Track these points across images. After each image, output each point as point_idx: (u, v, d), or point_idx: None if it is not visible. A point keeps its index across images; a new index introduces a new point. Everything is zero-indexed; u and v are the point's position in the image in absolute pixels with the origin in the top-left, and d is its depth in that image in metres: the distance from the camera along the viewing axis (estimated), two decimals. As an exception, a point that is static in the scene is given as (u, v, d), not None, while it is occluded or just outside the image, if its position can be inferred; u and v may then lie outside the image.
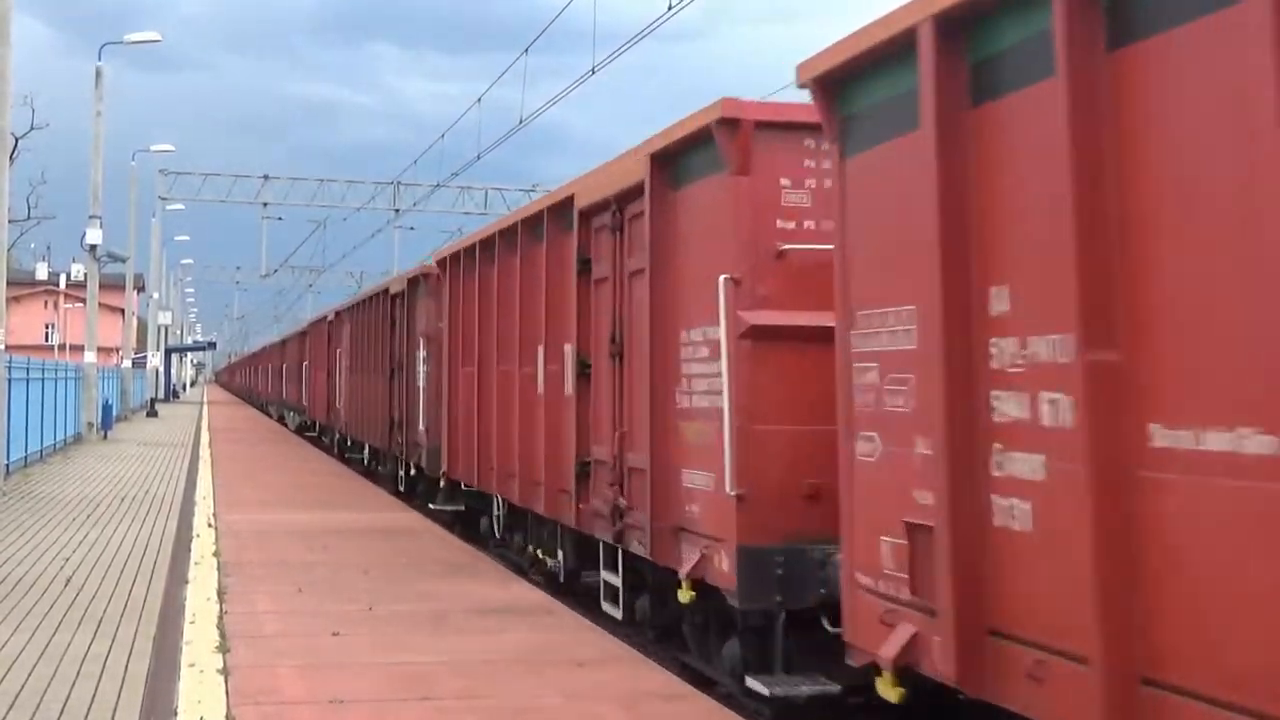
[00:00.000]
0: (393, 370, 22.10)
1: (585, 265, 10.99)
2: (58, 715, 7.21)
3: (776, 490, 7.76)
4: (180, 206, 58.59)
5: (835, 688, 7.54)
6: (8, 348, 20.31)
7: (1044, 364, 5.09)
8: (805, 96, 7.02)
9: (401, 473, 21.43)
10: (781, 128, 8.08)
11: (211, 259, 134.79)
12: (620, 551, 10.04)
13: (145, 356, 64.52)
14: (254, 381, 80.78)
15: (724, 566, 8.00)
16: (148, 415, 53.39)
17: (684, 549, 8.67)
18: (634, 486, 9.62)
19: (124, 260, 49.72)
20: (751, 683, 7.86)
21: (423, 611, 10.59)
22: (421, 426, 19.10)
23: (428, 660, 8.77)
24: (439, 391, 17.66)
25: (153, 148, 54.06)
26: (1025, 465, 5.20)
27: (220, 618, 10.06)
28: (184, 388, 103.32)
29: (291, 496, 20.65)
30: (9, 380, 20.89)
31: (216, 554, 13.53)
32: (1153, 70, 4.60)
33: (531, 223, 12.84)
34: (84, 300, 42.30)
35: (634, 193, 9.67)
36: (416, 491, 20.06)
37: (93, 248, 38.55)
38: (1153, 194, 4.59)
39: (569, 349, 11.30)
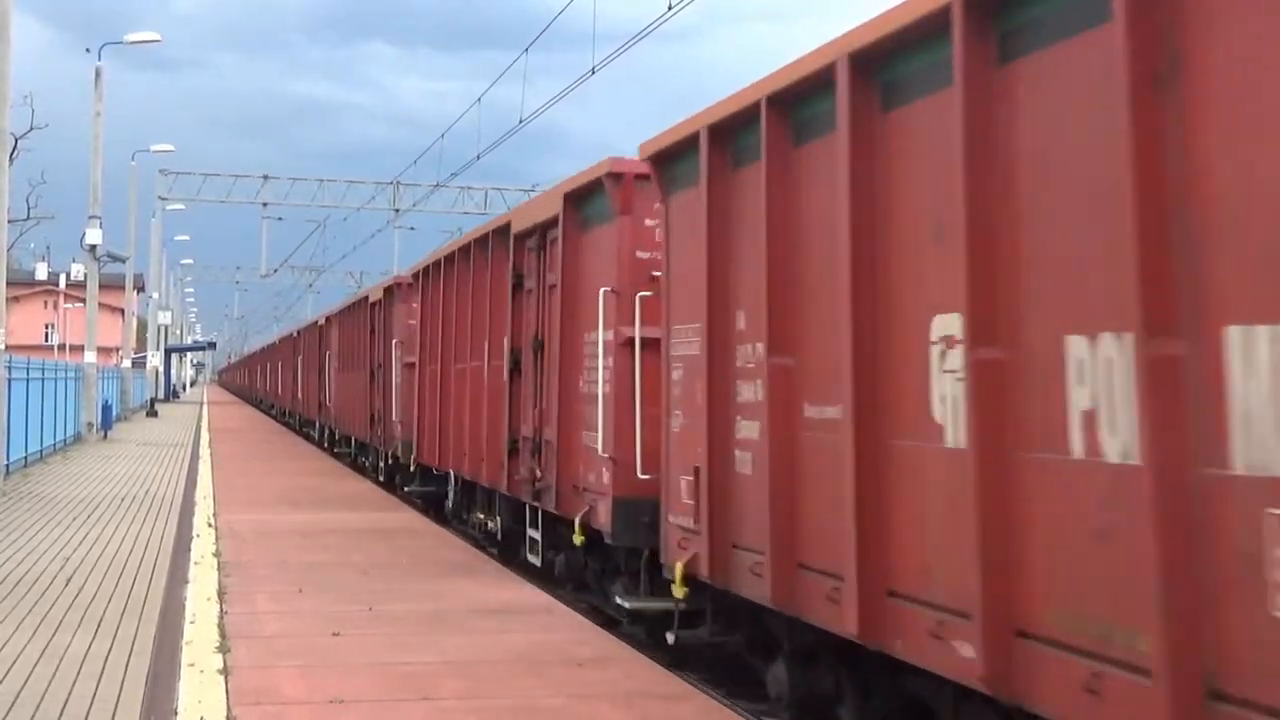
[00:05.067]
0: (372, 370, 24.68)
1: (519, 279, 13.28)
2: (58, 715, 7.22)
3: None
4: (180, 206, 58.67)
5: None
6: (7, 348, 20.32)
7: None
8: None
9: (381, 463, 23.96)
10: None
11: (211, 259, 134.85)
12: (540, 511, 12.35)
13: (145, 356, 64.52)
14: (254, 381, 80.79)
15: (602, 515, 10.38)
16: (147, 415, 53.39)
17: (577, 502, 11.14)
18: (546, 456, 11.97)
19: (124, 260, 49.71)
20: (619, 600, 10.16)
21: (423, 611, 10.60)
22: (395, 419, 21.68)
23: (428, 660, 8.78)
24: (410, 387, 19.97)
25: (152, 148, 54.11)
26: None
27: (220, 618, 10.07)
28: (184, 388, 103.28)
29: (292, 496, 20.65)
30: (9, 380, 20.90)
31: (217, 554, 13.54)
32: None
33: (480, 243, 15.20)
34: (84, 300, 42.30)
35: (552, 224, 11.97)
36: (395, 480, 22.37)
37: (93, 248, 38.56)
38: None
39: (505, 344, 13.48)
